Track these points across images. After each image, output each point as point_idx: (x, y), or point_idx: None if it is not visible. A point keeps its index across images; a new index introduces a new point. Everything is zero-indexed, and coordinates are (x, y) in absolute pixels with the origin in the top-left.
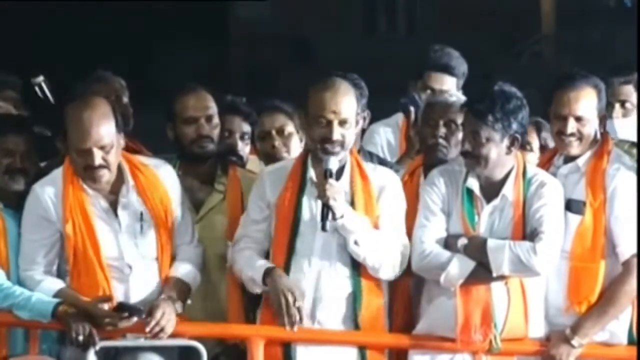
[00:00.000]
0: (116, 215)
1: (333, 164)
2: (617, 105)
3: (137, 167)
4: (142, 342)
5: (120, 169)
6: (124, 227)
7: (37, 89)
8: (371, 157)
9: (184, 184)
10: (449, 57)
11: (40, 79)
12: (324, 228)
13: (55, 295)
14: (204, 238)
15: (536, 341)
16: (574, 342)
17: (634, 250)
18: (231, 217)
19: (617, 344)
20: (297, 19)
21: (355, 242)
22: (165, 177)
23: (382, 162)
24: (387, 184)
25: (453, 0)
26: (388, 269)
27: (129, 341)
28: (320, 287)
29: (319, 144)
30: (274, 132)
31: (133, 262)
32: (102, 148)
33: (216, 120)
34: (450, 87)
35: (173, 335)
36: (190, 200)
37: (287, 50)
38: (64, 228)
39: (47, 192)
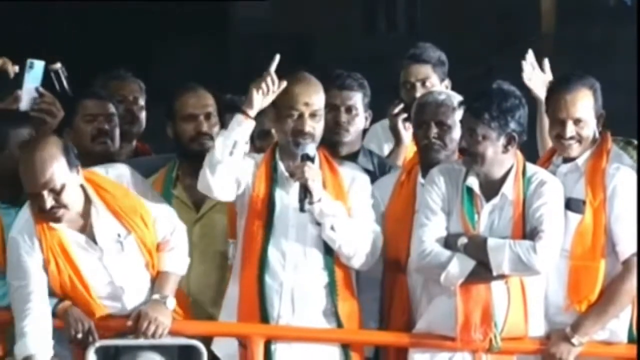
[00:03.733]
0: (95, 241)
1: (310, 149)
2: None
3: (100, 185)
4: (142, 341)
5: (85, 192)
6: (105, 250)
7: (53, 75)
8: (372, 156)
9: (184, 183)
10: (415, 47)
11: (58, 65)
12: (302, 209)
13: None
14: (204, 237)
15: (536, 340)
16: (574, 340)
17: (634, 249)
18: (231, 215)
19: (617, 343)
20: (297, 19)
21: (332, 228)
22: (123, 179)
23: (382, 161)
24: (356, 177)
25: (453, 0)
26: (362, 257)
27: (129, 340)
28: (296, 279)
29: (291, 137)
30: (274, 131)
31: (124, 281)
32: (52, 190)
33: (215, 118)
34: (426, 75)
35: (173, 334)
36: (190, 199)
37: (287, 50)
38: (47, 270)
39: (24, 238)
